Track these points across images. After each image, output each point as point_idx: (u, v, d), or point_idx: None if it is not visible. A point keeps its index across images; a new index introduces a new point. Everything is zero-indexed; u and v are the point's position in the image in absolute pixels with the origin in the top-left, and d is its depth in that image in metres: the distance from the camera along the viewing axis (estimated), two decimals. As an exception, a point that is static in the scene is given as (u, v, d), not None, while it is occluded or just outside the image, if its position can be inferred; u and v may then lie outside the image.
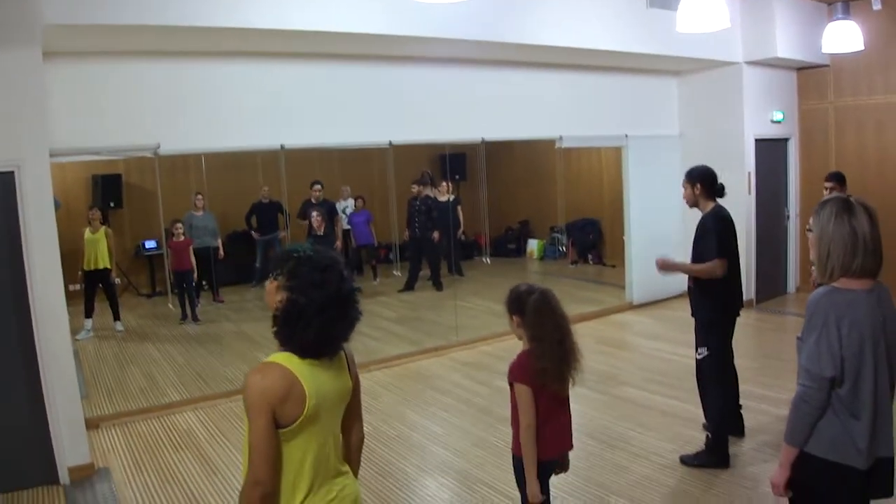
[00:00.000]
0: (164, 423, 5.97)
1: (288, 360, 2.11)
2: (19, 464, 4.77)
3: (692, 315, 4.91)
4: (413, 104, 7.47)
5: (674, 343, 7.51)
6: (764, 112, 9.24)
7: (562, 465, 3.26)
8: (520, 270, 12.73)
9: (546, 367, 2.98)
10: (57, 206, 5.24)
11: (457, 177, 11.56)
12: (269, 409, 2.03)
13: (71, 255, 7.92)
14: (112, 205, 9.64)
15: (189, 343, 8.45)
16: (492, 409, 6.00)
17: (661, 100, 9.64)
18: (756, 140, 9.17)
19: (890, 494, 2.57)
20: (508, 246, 13.77)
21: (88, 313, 8.72)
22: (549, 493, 3.18)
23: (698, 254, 4.77)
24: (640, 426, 5.47)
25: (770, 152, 9.42)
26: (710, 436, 4.77)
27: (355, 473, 2.39)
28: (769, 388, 6.03)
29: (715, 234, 4.66)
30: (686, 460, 4.75)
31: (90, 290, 8.68)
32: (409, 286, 10.76)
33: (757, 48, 8.75)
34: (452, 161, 11.17)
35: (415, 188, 10.99)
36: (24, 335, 4.72)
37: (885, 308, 2.49)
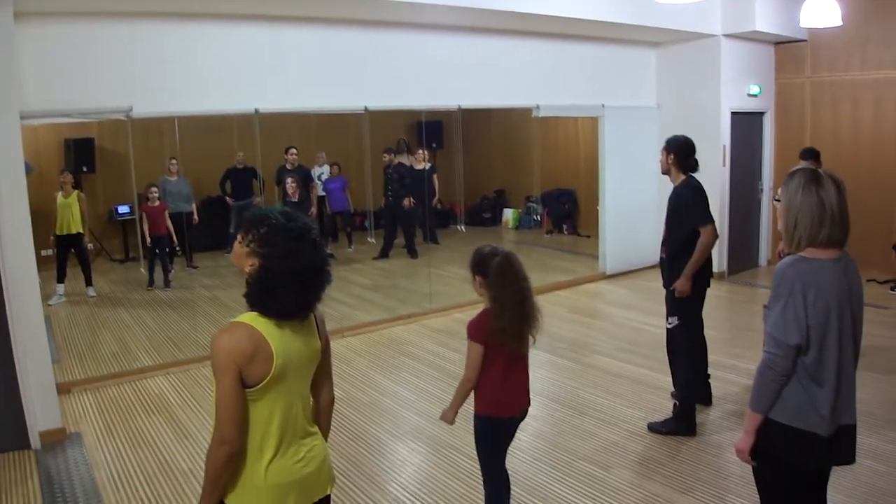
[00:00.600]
0: (135, 388, 5.97)
1: (254, 320, 2.12)
2: (-10, 428, 4.76)
3: (664, 286, 4.96)
4: (390, 70, 7.42)
5: (646, 313, 7.59)
6: (741, 85, 9.28)
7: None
8: (495, 239, 12.76)
9: (505, 327, 3.09)
10: (29, 170, 5.18)
11: (433, 145, 11.54)
12: (236, 369, 2.05)
13: (43, 219, 7.83)
14: (85, 169, 9.52)
15: (161, 308, 8.42)
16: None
17: (639, 71, 9.64)
18: (732, 113, 9.21)
19: (852, 461, 2.64)
20: (484, 215, 13.79)
21: (61, 278, 8.64)
22: (504, 457, 3.37)
23: (678, 226, 4.81)
24: (610, 394, 5.55)
25: (746, 126, 9.47)
26: (677, 404, 4.86)
27: (325, 434, 2.42)
28: (738, 358, 6.13)
29: (695, 204, 4.74)
30: (654, 427, 4.84)
31: (62, 254, 8.59)
32: (384, 254, 10.77)
33: (735, 21, 8.75)
34: (429, 129, 11.13)
35: (386, 157, 10.98)
36: (-6, 299, 4.68)
37: (850, 278, 2.54)
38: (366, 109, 7.36)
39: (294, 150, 9.89)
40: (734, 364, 6.00)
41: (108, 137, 9.86)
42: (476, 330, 3.14)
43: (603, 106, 9.13)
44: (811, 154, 6.55)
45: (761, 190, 9.95)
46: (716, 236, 4.77)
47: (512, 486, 3.70)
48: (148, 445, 4.86)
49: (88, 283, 8.87)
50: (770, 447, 2.58)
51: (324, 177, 10.97)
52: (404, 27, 7.42)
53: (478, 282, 3.16)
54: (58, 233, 8.47)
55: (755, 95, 9.49)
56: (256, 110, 6.66)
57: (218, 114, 6.77)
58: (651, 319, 7.12)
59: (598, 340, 6.86)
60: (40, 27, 5.56)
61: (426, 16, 7.16)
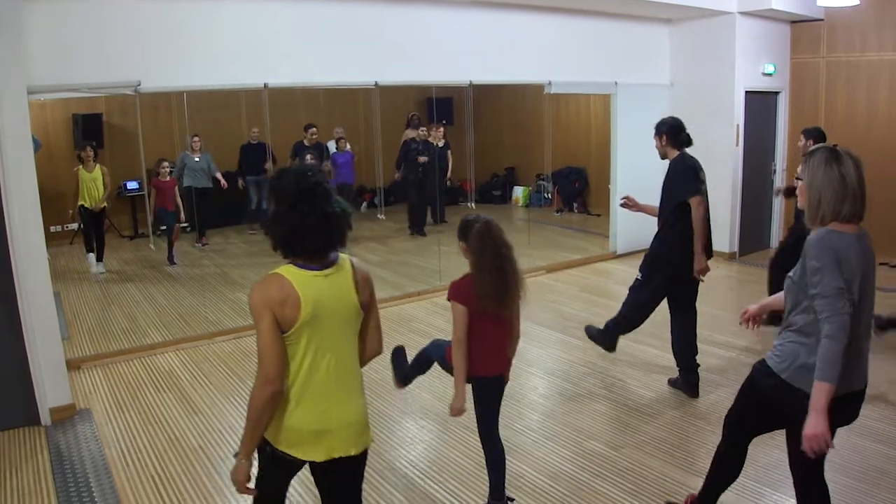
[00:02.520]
0: (145, 365, 5.98)
1: (287, 271, 2.37)
2: (0, 405, 4.77)
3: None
4: (400, 45, 7.36)
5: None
6: (755, 64, 9.16)
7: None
8: (505, 217, 12.72)
9: (484, 292, 3.27)
10: (37, 146, 5.15)
11: (443, 121, 11.46)
12: (270, 313, 2.29)
13: (53, 195, 7.83)
14: (94, 144, 9.50)
15: (171, 285, 8.42)
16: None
17: (652, 48, 9.53)
18: (746, 92, 9.10)
19: (855, 418, 2.79)
20: (494, 192, 13.72)
21: (90, 248, 8.75)
22: (497, 411, 3.57)
23: (670, 195, 4.97)
24: (620, 374, 5.53)
25: (760, 105, 9.37)
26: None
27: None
28: (735, 335, 6.10)
29: (681, 177, 4.92)
30: (588, 330, 5.52)
31: (88, 226, 8.65)
32: (420, 230, 10.83)
33: (751, -1, 8.64)
34: (439, 105, 11.05)
35: (414, 132, 10.95)
36: (4, 276, 4.67)
37: (866, 252, 2.63)
38: (376, 84, 7.29)
39: (314, 129, 9.93)
40: (748, 346, 5.97)
41: (116, 113, 9.83)
42: (456, 292, 3.35)
43: (615, 83, 9.03)
44: (815, 134, 6.35)
45: (774, 171, 9.86)
46: (703, 206, 4.86)
47: (522, 466, 3.69)
48: (158, 422, 4.87)
49: (99, 258, 8.86)
50: (785, 408, 2.72)
51: (331, 151, 10.89)
52: (416, 1, 7.35)
53: (461, 247, 3.39)
54: (86, 205, 8.50)
55: (770, 75, 9.37)
56: (266, 85, 6.61)
57: (227, 88, 6.72)
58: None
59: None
60: (48, 1, 5.51)
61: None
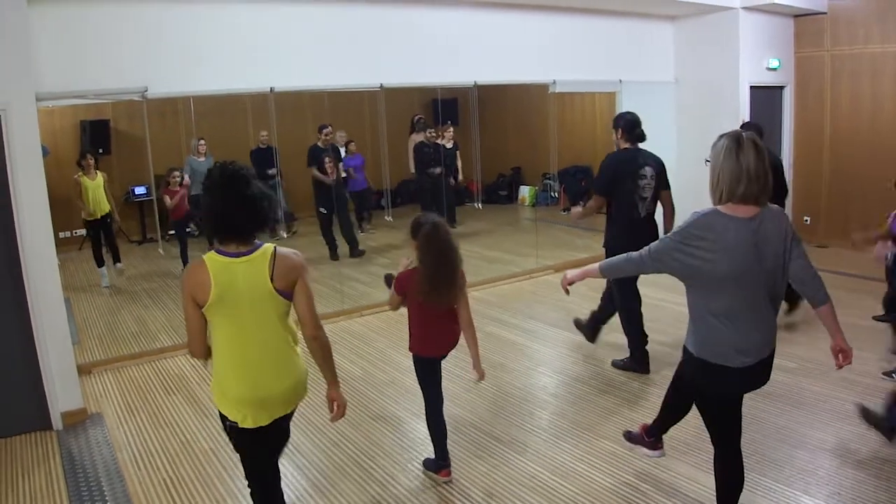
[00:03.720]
0: (155, 368, 6.00)
1: (209, 257, 2.73)
2: (12, 410, 4.79)
3: None
4: (405, 46, 7.36)
5: (664, 290, 7.49)
6: (760, 59, 9.14)
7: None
8: (511, 217, 12.72)
9: (426, 288, 3.66)
10: (45, 153, 5.18)
11: (448, 122, 11.46)
12: (189, 293, 2.72)
13: (61, 202, 7.84)
14: (101, 151, 9.54)
15: (180, 288, 8.43)
16: (483, 354, 6.02)
17: (656, 45, 9.51)
18: (751, 87, 9.09)
19: (765, 382, 3.07)
20: (500, 193, 13.72)
21: (100, 262, 8.58)
22: (440, 385, 4.03)
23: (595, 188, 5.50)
24: (631, 372, 5.52)
25: (765, 100, 9.34)
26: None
27: (320, 366, 2.98)
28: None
29: (601, 173, 5.40)
30: (616, 363, 5.66)
31: (97, 238, 8.51)
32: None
33: (754, -7, 8.63)
34: (444, 106, 11.04)
35: (420, 135, 10.86)
36: (15, 282, 4.70)
37: (763, 235, 2.84)
38: (381, 87, 7.30)
39: (328, 129, 9.56)
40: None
41: (123, 119, 9.87)
42: (399, 283, 3.80)
43: (620, 81, 9.03)
44: (754, 128, 6.40)
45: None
46: (596, 207, 5.42)
47: (534, 466, 3.69)
48: (169, 425, 4.89)
49: (116, 259, 8.82)
50: (697, 379, 3.07)
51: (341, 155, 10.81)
52: (420, 3, 7.35)
53: (412, 244, 3.72)
54: (88, 218, 8.35)
55: (774, 69, 9.35)
56: (272, 89, 6.62)
57: (233, 93, 6.74)
58: (670, 296, 7.04)
59: (616, 318, 6.80)
60: (55, 8, 5.52)
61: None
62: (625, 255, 3.17)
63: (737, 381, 2.98)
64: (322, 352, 2.94)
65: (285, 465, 4.18)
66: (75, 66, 5.63)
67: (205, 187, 2.76)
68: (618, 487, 3.89)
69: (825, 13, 9.15)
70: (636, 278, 5.48)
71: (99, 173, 8.39)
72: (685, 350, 3.10)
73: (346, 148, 10.56)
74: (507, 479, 4.01)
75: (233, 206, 2.68)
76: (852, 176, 9.05)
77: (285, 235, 9.83)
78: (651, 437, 3.90)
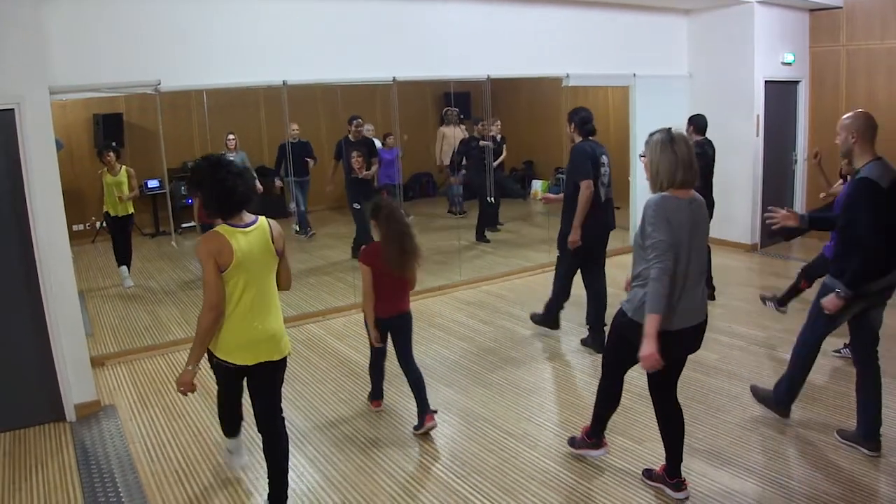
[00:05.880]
0: (168, 361, 6.02)
1: (223, 228, 3.28)
2: (26, 401, 4.83)
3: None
4: (418, 40, 7.35)
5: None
6: (775, 54, 9.09)
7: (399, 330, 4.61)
8: (524, 211, 12.69)
9: (388, 257, 4.28)
10: (59, 146, 5.19)
11: (461, 116, 11.43)
12: (213, 258, 3.20)
13: (75, 195, 7.86)
14: (114, 144, 9.56)
15: (192, 282, 8.46)
16: (494, 347, 6.03)
17: (670, 39, 9.47)
18: (766, 82, 9.04)
19: (698, 347, 3.56)
20: (512, 187, 13.67)
21: (120, 260, 8.31)
22: (409, 339, 4.63)
23: (570, 177, 5.74)
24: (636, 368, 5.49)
25: (780, 95, 9.29)
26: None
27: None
28: (766, 329, 6.06)
29: (573, 163, 5.69)
30: (534, 317, 6.39)
31: (117, 236, 8.25)
32: (482, 235, 10.20)
33: (770, -13, 8.57)
34: (457, 100, 11.02)
35: (451, 128, 10.62)
36: (29, 274, 4.73)
37: (696, 214, 3.36)
38: (394, 80, 7.30)
39: (359, 121, 9.02)
40: (767, 337, 5.93)
41: (136, 112, 9.89)
42: (365, 256, 4.41)
43: (634, 75, 8.99)
44: (695, 122, 7.11)
45: (795, 161, 9.77)
46: (589, 191, 5.57)
47: (546, 461, 3.68)
48: (181, 417, 4.91)
49: (126, 265, 8.43)
50: (634, 340, 3.38)
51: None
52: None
53: (373, 224, 4.36)
54: (112, 213, 8.13)
55: (789, 64, 9.29)
56: (284, 82, 6.62)
57: (246, 86, 6.75)
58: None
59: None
60: (67, 2, 5.53)
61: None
62: (649, 288, 3.26)
63: (672, 343, 3.34)
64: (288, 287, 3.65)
65: (295, 456, 4.20)
66: (89, 60, 5.64)
67: (198, 180, 3.30)
68: (628, 481, 3.88)
69: (841, 7, 9.07)
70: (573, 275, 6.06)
71: (123, 168, 8.11)
72: (622, 314, 3.53)
73: (385, 141, 9.99)
74: (519, 473, 4.01)
75: (232, 182, 3.24)
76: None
77: (307, 234, 9.71)
78: (593, 437, 4.07)
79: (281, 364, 3.52)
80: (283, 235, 3.49)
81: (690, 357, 3.67)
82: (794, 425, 4.43)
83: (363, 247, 4.49)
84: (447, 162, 10.95)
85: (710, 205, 6.60)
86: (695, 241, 3.34)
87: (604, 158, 5.77)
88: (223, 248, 3.21)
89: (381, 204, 4.41)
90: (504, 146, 10.75)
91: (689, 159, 3.30)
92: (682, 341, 3.44)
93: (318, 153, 9.96)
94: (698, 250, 3.37)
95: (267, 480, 3.63)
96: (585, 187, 5.57)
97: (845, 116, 3.89)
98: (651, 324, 3.24)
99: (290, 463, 3.66)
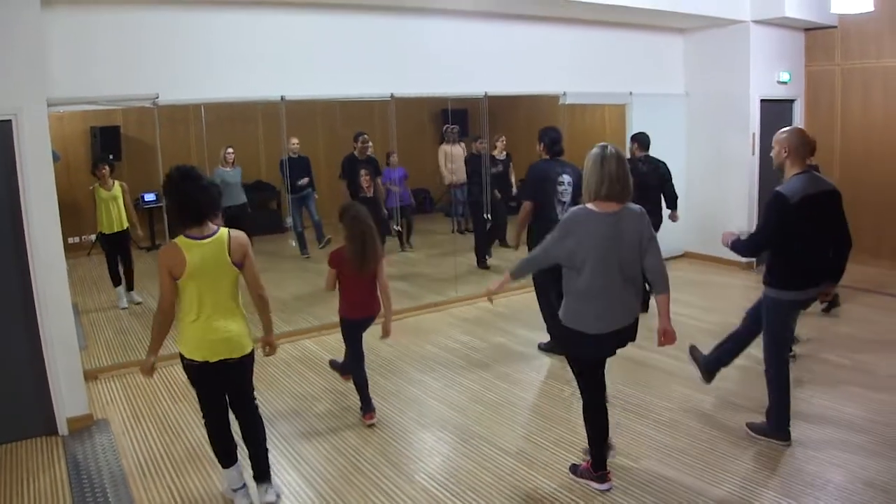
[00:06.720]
0: (162, 375, 5.97)
1: (180, 240, 3.51)
2: (18, 415, 4.79)
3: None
4: (415, 56, 7.38)
5: (674, 302, 7.46)
6: (770, 72, 9.13)
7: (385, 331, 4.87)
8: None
9: (351, 258, 4.55)
10: (56, 158, 5.18)
11: (456, 127, 11.38)
12: (166, 268, 3.50)
13: (71, 207, 7.82)
14: (111, 157, 9.54)
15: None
16: (490, 364, 6.01)
17: (666, 58, 9.52)
18: (762, 101, 9.08)
19: (633, 339, 3.92)
20: (510, 203, 13.66)
21: (116, 282, 8.02)
22: (361, 343, 4.91)
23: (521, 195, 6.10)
24: (638, 384, 5.49)
25: (775, 113, 9.31)
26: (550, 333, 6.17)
27: (264, 318, 3.93)
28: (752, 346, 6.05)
29: (526, 181, 6.10)
30: (542, 346, 6.34)
31: (112, 255, 7.92)
32: (484, 261, 9.75)
33: (765, 7, 8.62)
34: (454, 116, 11.02)
35: (451, 146, 10.29)
36: (24, 287, 4.71)
37: (622, 227, 3.58)
38: (392, 96, 7.31)
39: (365, 136, 8.76)
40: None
41: (133, 126, 9.89)
42: (332, 258, 4.68)
43: (630, 93, 9.03)
44: (639, 140, 7.22)
45: (791, 179, 9.78)
46: (524, 213, 5.91)
47: (542, 479, 3.66)
48: (174, 432, 4.88)
49: (130, 287, 8.21)
50: (566, 343, 3.88)
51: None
52: (430, 13, 7.36)
53: (340, 226, 4.62)
54: (106, 231, 7.81)
55: (785, 83, 9.33)
56: (282, 97, 6.64)
57: (244, 101, 6.76)
58: (680, 309, 7.00)
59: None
60: (67, 15, 5.56)
61: (452, 1, 7.14)
62: (526, 257, 4.03)
63: (592, 346, 3.72)
64: (262, 305, 3.87)
65: (290, 474, 4.18)
66: (87, 72, 5.66)
67: (167, 188, 3.54)
68: (624, 500, 3.86)
69: (836, 27, 9.12)
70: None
71: (116, 183, 7.80)
72: (557, 321, 3.82)
73: (389, 160, 9.74)
74: (514, 491, 3.98)
75: (194, 195, 3.47)
76: (863, 190, 8.99)
77: (322, 242, 9.51)
78: (598, 470, 4.00)
79: (241, 361, 3.72)
80: (244, 245, 3.67)
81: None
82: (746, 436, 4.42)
83: (332, 251, 4.74)
84: (456, 180, 10.54)
85: (657, 222, 6.77)
86: (622, 252, 3.57)
87: (564, 177, 5.87)
88: (177, 260, 3.48)
89: (346, 207, 4.70)
90: (511, 165, 10.25)
91: (616, 175, 3.53)
92: (599, 344, 3.74)
93: (315, 168, 9.85)
94: (625, 262, 3.60)
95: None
96: (524, 207, 5.88)
97: (781, 131, 4.35)
98: (504, 279, 3.95)
99: (282, 479, 3.75)
